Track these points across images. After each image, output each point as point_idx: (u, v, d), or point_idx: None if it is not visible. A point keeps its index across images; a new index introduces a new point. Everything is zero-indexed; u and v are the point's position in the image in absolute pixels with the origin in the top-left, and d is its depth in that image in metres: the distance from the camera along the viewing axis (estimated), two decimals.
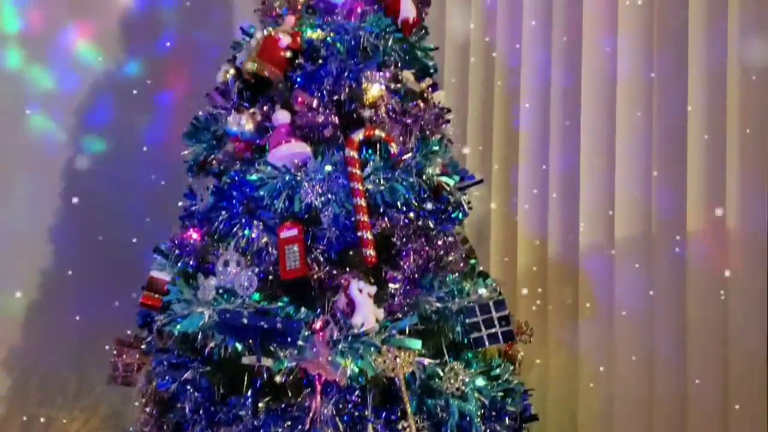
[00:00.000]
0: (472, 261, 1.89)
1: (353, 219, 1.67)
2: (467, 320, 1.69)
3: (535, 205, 2.47)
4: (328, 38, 1.81)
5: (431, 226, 1.79)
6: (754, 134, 2.12)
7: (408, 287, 1.67)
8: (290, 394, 1.61)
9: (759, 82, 2.10)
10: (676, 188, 2.21)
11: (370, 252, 1.63)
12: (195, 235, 1.79)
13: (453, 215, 1.85)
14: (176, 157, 1.96)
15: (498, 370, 1.75)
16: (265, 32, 1.81)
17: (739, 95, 2.13)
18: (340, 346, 1.53)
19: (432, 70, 2.01)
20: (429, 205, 1.78)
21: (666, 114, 2.25)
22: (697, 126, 2.17)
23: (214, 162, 1.87)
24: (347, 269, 1.65)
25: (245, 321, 1.53)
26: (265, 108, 1.81)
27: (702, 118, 2.18)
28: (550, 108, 2.43)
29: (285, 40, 1.79)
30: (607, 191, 2.32)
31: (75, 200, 2.35)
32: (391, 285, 1.66)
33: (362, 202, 1.66)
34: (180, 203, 1.90)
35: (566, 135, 2.40)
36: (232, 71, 1.90)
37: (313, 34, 1.83)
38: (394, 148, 1.75)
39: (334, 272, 1.65)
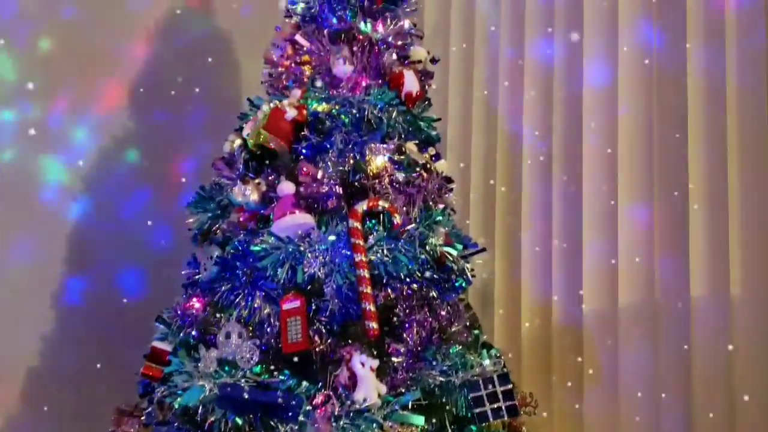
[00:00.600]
0: (476, 332, 1.88)
1: (356, 290, 1.67)
2: (471, 394, 1.67)
3: (537, 269, 2.46)
4: (334, 111, 1.85)
5: (434, 296, 1.79)
6: (755, 200, 2.11)
7: (411, 360, 1.67)
8: None
9: (759, 146, 2.11)
10: (679, 254, 2.21)
11: (373, 325, 1.63)
12: (197, 305, 1.80)
13: (456, 284, 1.85)
14: (181, 225, 1.98)
15: None
16: (272, 105, 1.85)
17: (740, 161, 2.13)
18: (341, 423, 1.51)
19: (435, 140, 2.04)
20: (432, 275, 1.78)
21: (667, 180, 2.26)
22: (699, 192, 2.18)
23: (218, 231, 1.88)
24: (349, 342, 1.64)
25: (246, 396, 1.52)
26: (270, 178, 1.84)
27: (703, 185, 2.19)
28: (552, 171, 2.45)
29: (291, 112, 1.82)
30: (609, 256, 2.31)
31: (78, 265, 2.35)
32: (393, 358, 1.65)
33: (365, 273, 1.67)
34: (184, 271, 1.91)
35: (568, 200, 2.41)
36: (238, 141, 1.93)
37: (319, 107, 1.87)
38: (397, 219, 1.77)
39: (337, 345, 1.64)
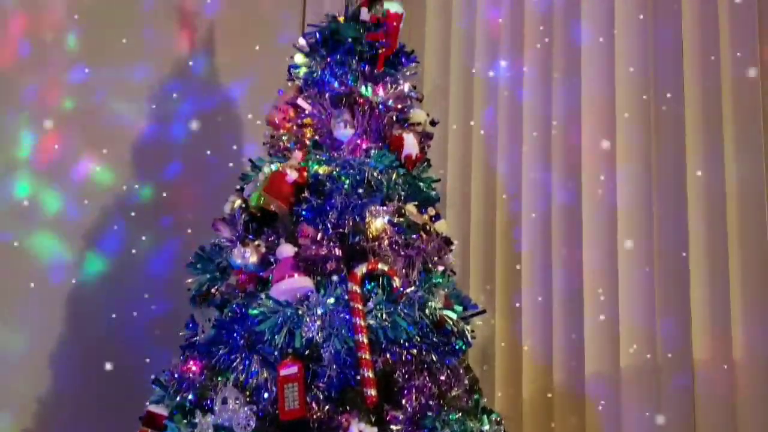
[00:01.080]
0: (476, 396, 1.86)
1: (355, 356, 1.65)
2: None
3: (537, 329, 2.44)
4: (334, 173, 1.87)
5: (434, 359, 1.78)
6: (756, 258, 2.10)
7: (410, 428, 1.64)
8: None
9: (756, 204, 2.11)
10: (680, 316, 2.19)
11: (372, 392, 1.61)
12: (194, 368, 1.78)
13: (456, 347, 1.83)
14: (180, 284, 1.98)
15: None
16: (273, 167, 1.87)
17: (739, 220, 2.13)
18: None
19: (434, 200, 2.05)
20: (432, 339, 1.77)
21: (666, 240, 2.25)
22: (699, 253, 2.17)
23: (217, 293, 1.88)
24: (347, 409, 1.62)
25: None
26: (270, 239, 1.84)
27: (703, 244, 2.18)
28: (552, 231, 2.45)
29: (292, 175, 1.84)
30: (611, 318, 2.30)
31: (76, 324, 2.34)
32: (392, 426, 1.63)
33: (364, 338, 1.65)
34: (182, 333, 1.90)
35: (568, 259, 2.41)
36: (238, 202, 1.94)
37: (320, 169, 1.88)
38: (396, 282, 1.77)
39: (334, 412, 1.62)
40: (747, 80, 2.08)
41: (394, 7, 2.03)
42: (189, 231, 2.48)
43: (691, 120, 2.17)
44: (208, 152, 2.62)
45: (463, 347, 1.85)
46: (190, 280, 1.95)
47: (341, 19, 2.03)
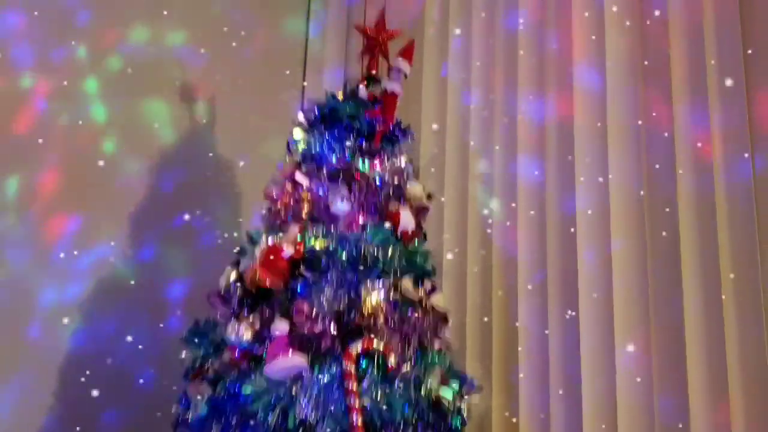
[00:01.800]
0: None
1: None
2: None
3: (535, 405, 2.40)
4: (330, 247, 1.87)
5: None
6: (751, 331, 2.08)
7: None
8: None
9: (749, 277, 2.10)
10: (678, 393, 2.16)
11: None
12: None
13: (452, 426, 1.81)
14: (173, 357, 1.96)
15: None
16: (270, 241, 1.87)
17: (735, 302, 2.13)
18: None
19: (430, 274, 2.05)
20: (428, 419, 1.75)
21: (663, 315, 2.24)
22: (695, 330, 2.16)
23: (210, 369, 1.85)
24: None
25: None
26: (265, 314, 1.83)
27: (699, 322, 2.16)
28: (549, 301, 2.44)
29: (288, 250, 1.84)
30: (608, 394, 2.27)
31: (65, 399, 2.30)
32: None
33: (358, 420, 1.63)
34: (173, 410, 1.87)
35: (566, 333, 2.39)
36: (234, 275, 1.94)
37: (316, 243, 1.89)
38: (392, 361, 1.75)
39: None
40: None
41: (391, 86, 2.08)
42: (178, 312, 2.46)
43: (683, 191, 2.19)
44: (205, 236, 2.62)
45: (459, 426, 1.83)
46: (184, 355, 1.93)
47: (340, 95, 2.08)
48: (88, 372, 2.34)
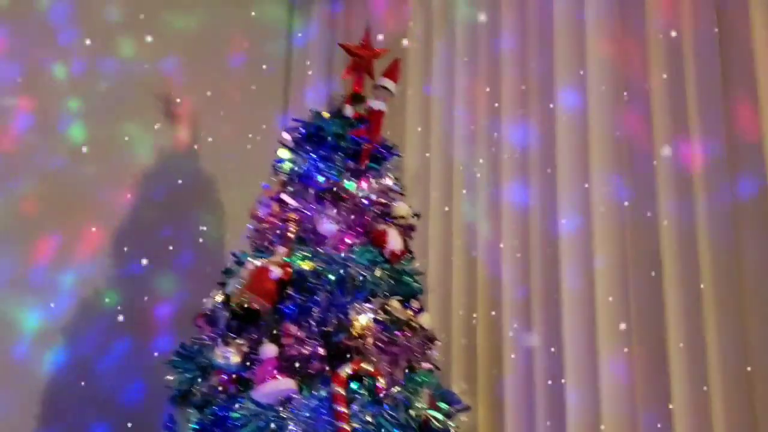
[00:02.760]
0: None
1: None
2: None
3: (523, 418, 2.41)
4: (318, 269, 1.86)
5: None
6: (732, 341, 2.09)
7: None
8: None
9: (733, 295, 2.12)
10: (662, 413, 2.17)
11: None
12: None
13: None
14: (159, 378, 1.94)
15: None
16: (257, 263, 1.86)
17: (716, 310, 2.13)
18: None
19: (418, 293, 2.05)
20: None
21: (646, 327, 2.25)
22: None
23: (197, 393, 1.83)
24: None
25: None
26: (253, 336, 1.82)
27: (682, 329, 2.18)
28: (533, 317, 2.45)
29: (276, 272, 1.83)
30: (593, 407, 2.27)
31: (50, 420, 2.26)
32: None
33: None
34: None
35: (551, 350, 2.40)
36: (220, 298, 1.92)
37: (304, 264, 1.88)
38: (381, 383, 1.75)
39: None
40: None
41: (376, 105, 2.08)
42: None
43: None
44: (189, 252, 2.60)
45: None
46: (170, 378, 1.90)
47: (325, 114, 2.08)
48: (70, 392, 2.30)
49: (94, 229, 2.49)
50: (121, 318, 2.45)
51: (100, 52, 2.59)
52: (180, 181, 2.68)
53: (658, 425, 2.16)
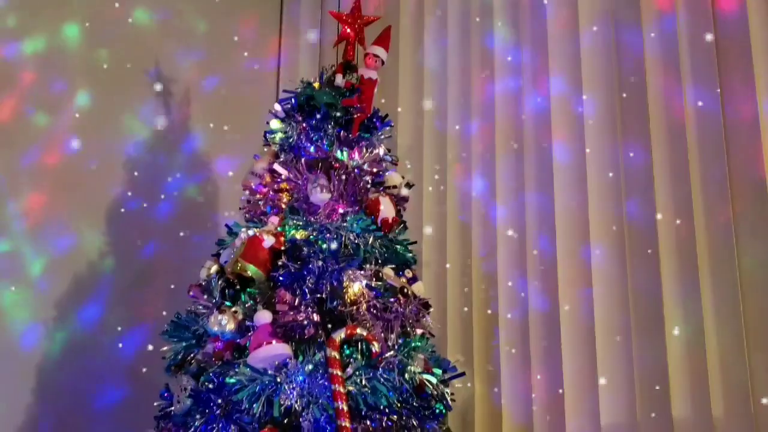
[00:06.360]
0: None
1: (334, 424, 1.62)
2: None
3: (518, 389, 2.42)
4: (311, 237, 1.87)
5: (415, 424, 1.75)
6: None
7: None
8: None
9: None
10: (659, 375, 2.17)
11: None
12: None
13: (437, 411, 1.82)
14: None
15: None
16: (250, 233, 1.86)
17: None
18: None
19: (411, 263, 2.06)
20: (412, 404, 1.75)
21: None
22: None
23: (193, 361, 1.84)
24: None
25: None
26: (247, 305, 1.82)
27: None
28: (528, 288, 2.45)
29: (269, 240, 1.84)
30: (590, 376, 2.28)
31: (46, 396, 2.27)
32: None
33: (344, 405, 1.63)
34: (156, 403, 1.85)
35: (548, 319, 2.40)
36: (215, 268, 1.93)
37: (297, 234, 1.88)
38: (375, 347, 1.76)
39: None
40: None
41: (368, 73, 2.08)
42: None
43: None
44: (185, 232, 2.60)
45: (444, 411, 1.84)
46: (165, 348, 1.91)
47: (316, 85, 2.07)
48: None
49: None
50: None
51: None
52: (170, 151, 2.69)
53: (656, 392, 2.16)
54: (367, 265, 1.88)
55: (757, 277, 1.93)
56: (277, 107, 2.08)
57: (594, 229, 2.28)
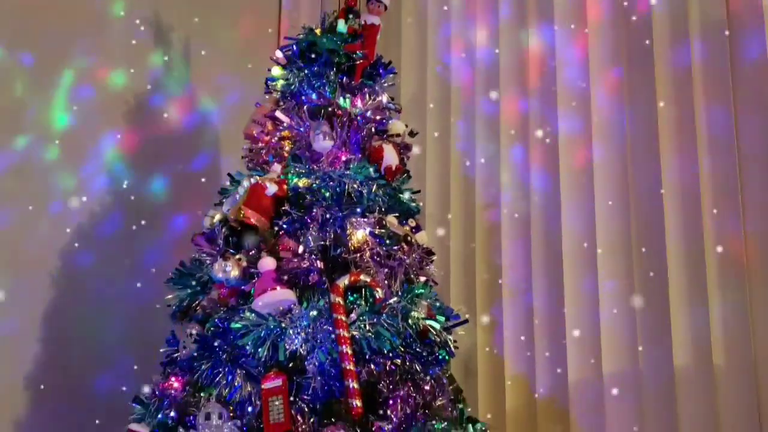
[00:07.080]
0: (460, 406, 1.86)
1: (339, 367, 1.64)
2: None
3: (519, 338, 2.44)
4: (314, 185, 1.86)
5: (418, 369, 1.77)
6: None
7: None
8: None
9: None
10: (660, 325, 2.19)
11: (357, 402, 1.60)
12: (176, 384, 1.76)
13: (440, 357, 1.83)
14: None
15: None
16: (252, 180, 1.85)
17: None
18: None
19: (415, 212, 2.05)
20: (415, 349, 1.77)
21: (646, 226, 2.24)
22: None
23: (198, 308, 1.86)
24: (333, 420, 1.61)
25: None
26: (251, 253, 1.83)
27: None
28: (531, 238, 2.45)
29: (272, 188, 1.83)
30: (592, 326, 2.29)
31: (54, 337, 2.29)
32: None
33: (348, 349, 1.65)
34: (162, 349, 1.87)
35: (550, 270, 2.41)
36: (218, 216, 1.93)
37: (299, 182, 1.88)
38: (379, 293, 1.76)
39: (320, 424, 1.61)
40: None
41: (371, 19, 2.04)
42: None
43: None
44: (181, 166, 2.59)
45: (447, 357, 1.85)
46: (170, 296, 1.93)
47: (318, 31, 2.04)
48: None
49: None
50: None
51: None
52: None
53: (660, 343, 2.17)
54: (371, 214, 1.87)
55: None
56: (279, 54, 2.05)
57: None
